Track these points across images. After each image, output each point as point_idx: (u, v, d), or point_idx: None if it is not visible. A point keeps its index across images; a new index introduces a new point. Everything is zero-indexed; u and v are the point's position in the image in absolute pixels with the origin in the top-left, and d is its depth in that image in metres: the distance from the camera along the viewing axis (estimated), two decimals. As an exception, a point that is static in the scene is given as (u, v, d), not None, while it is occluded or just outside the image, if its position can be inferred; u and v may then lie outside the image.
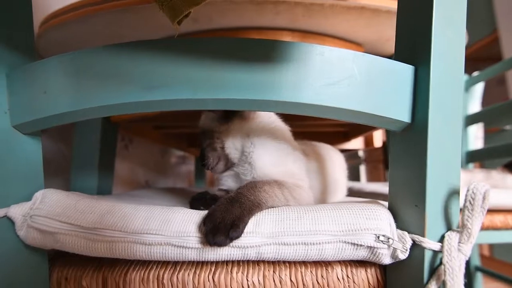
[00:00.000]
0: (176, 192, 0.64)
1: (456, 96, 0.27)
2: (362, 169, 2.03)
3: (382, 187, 0.83)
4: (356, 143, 0.82)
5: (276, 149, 0.38)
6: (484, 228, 0.56)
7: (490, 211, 0.56)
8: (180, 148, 1.15)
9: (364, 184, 0.95)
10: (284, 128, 0.42)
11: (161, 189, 0.65)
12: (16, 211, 0.28)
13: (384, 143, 0.81)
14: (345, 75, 0.26)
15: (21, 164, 0.30)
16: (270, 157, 0.37)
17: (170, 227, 0.27)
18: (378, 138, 0.80)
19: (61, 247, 0.28)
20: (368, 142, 0.81)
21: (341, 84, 0.26)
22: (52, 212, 0.28)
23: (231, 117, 0.37)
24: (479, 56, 1.92)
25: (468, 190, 0.26)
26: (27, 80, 0.28)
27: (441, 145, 0.26)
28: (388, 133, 0.62)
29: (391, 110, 0.27)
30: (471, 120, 1.13)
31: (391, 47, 0.55)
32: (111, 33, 0.49)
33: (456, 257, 0.25)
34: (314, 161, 0.44)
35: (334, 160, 0.46)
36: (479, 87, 1.15)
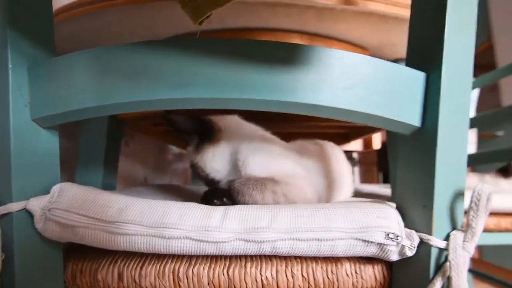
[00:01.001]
0: (178, 190, 0.64)
1: (464, 101, 0.29)
2: (356, 171, 2.06)
3: (379, 189, 0.85)
4: (355, 145, 0.83)
5: (265, 157, 0.41)
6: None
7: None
8: (179, 145, 1.16)
9: (360, 185, 0.97)
10: (260, 134, 0.44)
11: (162, 186, 0.65)
12: (35, 204, 0.28)
13: (383, 145, 0.83)
14: (362, 80, 0.27)
15: (39, 157, 0.30)
16: (260, 166, 0.39)
17: (188, 221, 0.28)
18: (377, 140, 0.82)
19: (80, 240, 0.28)
20: (367, 144, 0.83)
21: (358, 88, 0.27)
22: (71, 206, 0.28)
23: (201, 146, 0.41)
24: (474, 64, 1.96)
25: (473, 192, 0.27)
26: (50, 75, 0.28)
27: (449, 149, 0.28)
28: (388, 135, 0.64)
29: (403, 114, 0.28)
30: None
31: (396, 52, 0.57)
32: (121, 29, 0.49)
33: (461, 254, 0.26)
34: (313, 158, 0.45)
35: (337, 157, 0.47)
36: (474, 94, 1.19)
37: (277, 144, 0.44)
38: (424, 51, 0.30)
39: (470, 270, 1.07)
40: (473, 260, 1.91)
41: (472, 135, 1.27)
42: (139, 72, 0.27)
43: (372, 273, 0.31)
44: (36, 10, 0.30)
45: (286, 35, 0.48)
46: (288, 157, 0.42)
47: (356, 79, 0.27)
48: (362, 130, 0.77)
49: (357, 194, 0.70)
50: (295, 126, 0.79)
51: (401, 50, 0.56)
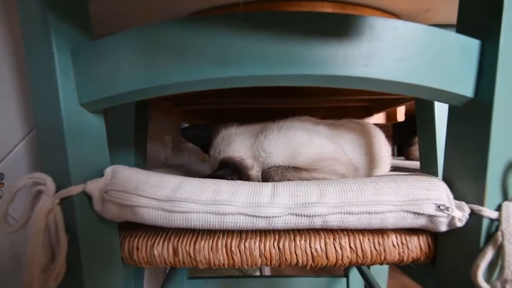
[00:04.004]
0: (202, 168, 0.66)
1: (522, 70, 0.27)
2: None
3: (400, 162, 0.84)
4: (378, 118, 0.82)
5: (289, 145, 0.40)
6: None
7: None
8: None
9: (395, 160, 0.96)
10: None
11: (184, 166, 0.67)
12: (93, 187, 0.29)
13: (406, 118, 0.82)
14: (415, 50, 0.26)
15: (90, 141, 0.31)
16: (284, 156, 0.39)
17: (240, 198, 0.29)
18: (401, 113, 0.80)
19: (138, 219, 0.29)
20: (391, 117, 0.82)
21: (411, 59, 0.26)
22: (127, 187, 0.29)
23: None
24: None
25: (529, 162, 0.27)
26: (94, 57, 0.28)
27: (504, 120, 0.27)
28: (417, 107, 0.62)
29: (456, 85, 0.28)
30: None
31: (429, 18, 0.54)
32: (139, 7, 0.47)
33: (514, 224, 0.26)
34: (353, 135, 0.45)
35: (377, 136, 0.47)
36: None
37: (305, 121, 0.43)
38: (479, 17, 0.28)
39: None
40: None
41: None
42: (185, 51, 0.26)
43: (417, 243, 0.31)
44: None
45: (317, 4, 0.46)
46: (318, 133, 0.42)
47: (409, 50, 0.26)
48: (386, 103, 0.75)
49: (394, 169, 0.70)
50: (317, 101, 0.77)
51: (435, 16, 0.53)
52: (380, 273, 0.85)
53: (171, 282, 0.66)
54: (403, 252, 0.31)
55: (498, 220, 0.27)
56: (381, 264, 0.31)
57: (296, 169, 0.37)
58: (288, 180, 0.36)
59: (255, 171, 0.39)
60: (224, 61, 0.26)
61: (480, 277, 0.26)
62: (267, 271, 1.00)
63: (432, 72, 0.27)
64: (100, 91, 0.29)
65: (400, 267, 0.48)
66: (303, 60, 0.26)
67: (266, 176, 0.37)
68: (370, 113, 0.81)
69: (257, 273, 0.93)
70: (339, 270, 0.81)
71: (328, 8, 0.47)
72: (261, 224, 0.29)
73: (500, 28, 0.26)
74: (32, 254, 0.25)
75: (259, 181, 0.39)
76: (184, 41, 0.26)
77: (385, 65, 0.26)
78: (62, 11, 0.28)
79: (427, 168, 0.53)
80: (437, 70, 0.27)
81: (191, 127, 0.46)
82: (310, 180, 0.35)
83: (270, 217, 0.28)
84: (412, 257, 0.31)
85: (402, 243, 0.31)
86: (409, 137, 1.02)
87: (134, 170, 0.32)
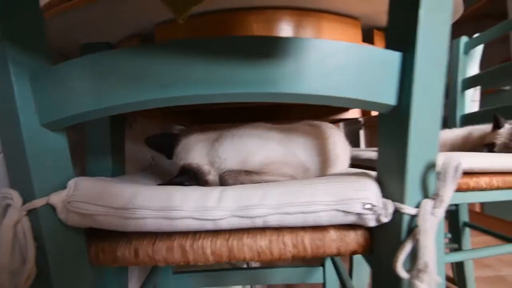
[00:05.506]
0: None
1: (438, 79, 0.30)
2: (362, 133, 2.06)
3: (364, 153, 0.87)
4: (354, 113, 0.85)
5: (241, 151, 0.43)
6: (470, 189, 0.61)
7: (477, 173, 0.61)
8: (183, 125, 1.19)
9: (361, 151, 0.99)
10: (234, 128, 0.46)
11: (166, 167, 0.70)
12: (56, 199, 0.32)
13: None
14: (339, 66, 0.29)
15: (52, 158, 0.34)
16: (237, 162, 0.42)
17: (189, 203, 0.32)
18: (375, 107, 0.83)
19: (99, 225, 0.33)
20: (366, 111, 0.84)
21: (335, 74, 0.29)
22: (87, 197, 0.32)
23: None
24: (484, 13, 1.85)
25: (442, 165, 0.30)
26: (52, 82, 0.31)
27: (422, 125, 0.30)
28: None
29: (379, 95, 0.30)
30: (469, 83, 1.15)
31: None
32: (109, 20, 0.50)
33: (429, 219, 0.30)
34: (305, 138, 0.47)
35: (333, 136, 0.49)
36: (479, 50, 1.14)
37: (258, 128, 0.46)
38: (401, 30, 0.31)
39: (468, 225, 1.12)
40: (475, 214, 1.99)
41: (475, 93, 1.24)
42: (130, 76, 0.29)
43: (354, 237, 0.35)
44: (28, 19, 0.32)
45: (276, 12, 0.48)
46: (269, 139, 0.44)
47: (332, 66, 0.29)
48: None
49: (356, 160, 0.74)
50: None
51: (393, 17, 0.55)
52: (363, 261, 0.89)
53: (156, 277, 0.70)
54: (341, 245, 0.34)
55: (417, 216, 0.30)
56: (321, 256, 0.35)
57: (248, 172, 0.40)
58: (241, 183, 0.39)
59: (212, 176, 0.42)
60: (163, 84, 0.28)
61: (399, 267, 0.30)
62: (253, 262, 1.05)
63: (357, 84, 0.30)
64: (59, 112, 0.32)
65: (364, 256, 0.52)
66: (236, 81, 0.28)
67: (222, 180, 0.40)
68: (346, 108, 0.83)
69: (245, 266, 0.97)
70: (317, 260, 0.85)
71: (286, 16, 0.49)
72: (209, 225, 0.32)
73: (416, 40, 0.29)
74: (2, 261, 0.29)
75: (216, 185, 0.42)
76: (129, 67, 0.29)
77: (310, 81, 0.29)
78: (19, 41, 0.31)
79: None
80: (361, 82, 0.30)
81: (154, 136, 0.49)
82: (261, 182, 0.38)
83: (215, 219, 0.32)
84: (350, 250, 0.35)
85: (340, 237, 0.35)
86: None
87: (95, 180, 0.35)
